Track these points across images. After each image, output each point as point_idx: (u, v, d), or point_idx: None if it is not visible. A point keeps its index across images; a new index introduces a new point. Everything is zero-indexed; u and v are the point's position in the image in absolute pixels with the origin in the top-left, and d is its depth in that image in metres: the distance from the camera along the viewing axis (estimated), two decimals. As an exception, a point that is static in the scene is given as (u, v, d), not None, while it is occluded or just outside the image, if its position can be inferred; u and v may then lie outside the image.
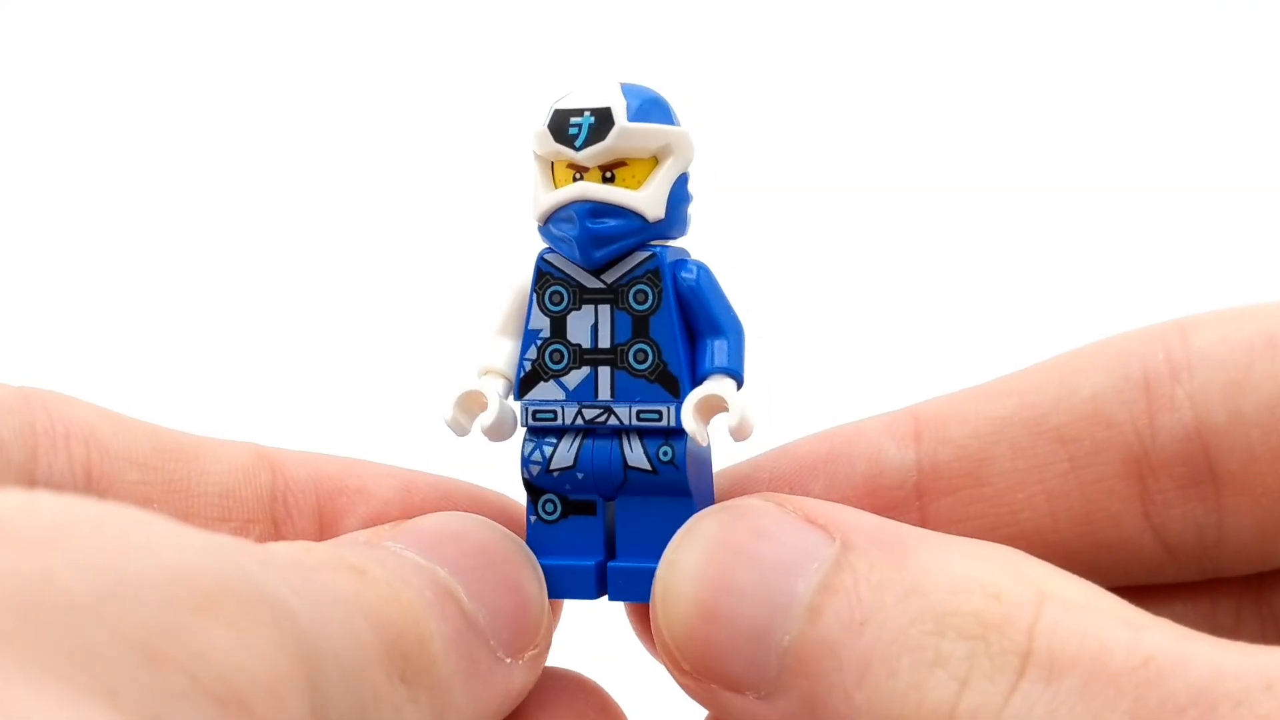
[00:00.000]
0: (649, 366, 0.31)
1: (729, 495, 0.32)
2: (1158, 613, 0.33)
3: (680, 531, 0.29)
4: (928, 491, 0.32)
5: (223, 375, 0.69)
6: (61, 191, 0.73)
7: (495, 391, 0.32)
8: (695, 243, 0.32)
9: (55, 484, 0.30)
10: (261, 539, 0.32)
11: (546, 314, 0.32)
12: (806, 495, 0.32)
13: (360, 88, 0.73)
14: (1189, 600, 0.33)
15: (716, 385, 0.30)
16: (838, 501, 0.31)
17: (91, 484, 0.30)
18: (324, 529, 0.33)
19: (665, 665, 0.29)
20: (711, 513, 0.29)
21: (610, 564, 0.31)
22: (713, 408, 0.30)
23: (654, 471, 0.31)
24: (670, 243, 0.32)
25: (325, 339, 0.70)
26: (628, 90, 0.31)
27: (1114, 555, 0.32)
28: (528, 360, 0.32)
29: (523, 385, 0.32)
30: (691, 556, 0.28)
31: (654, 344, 0.31)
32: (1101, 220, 0.70)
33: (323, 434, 0.59)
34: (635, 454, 0.31)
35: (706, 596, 0.28)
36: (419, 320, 0.68)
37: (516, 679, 0.29)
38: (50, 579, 0.20)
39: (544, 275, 0.32)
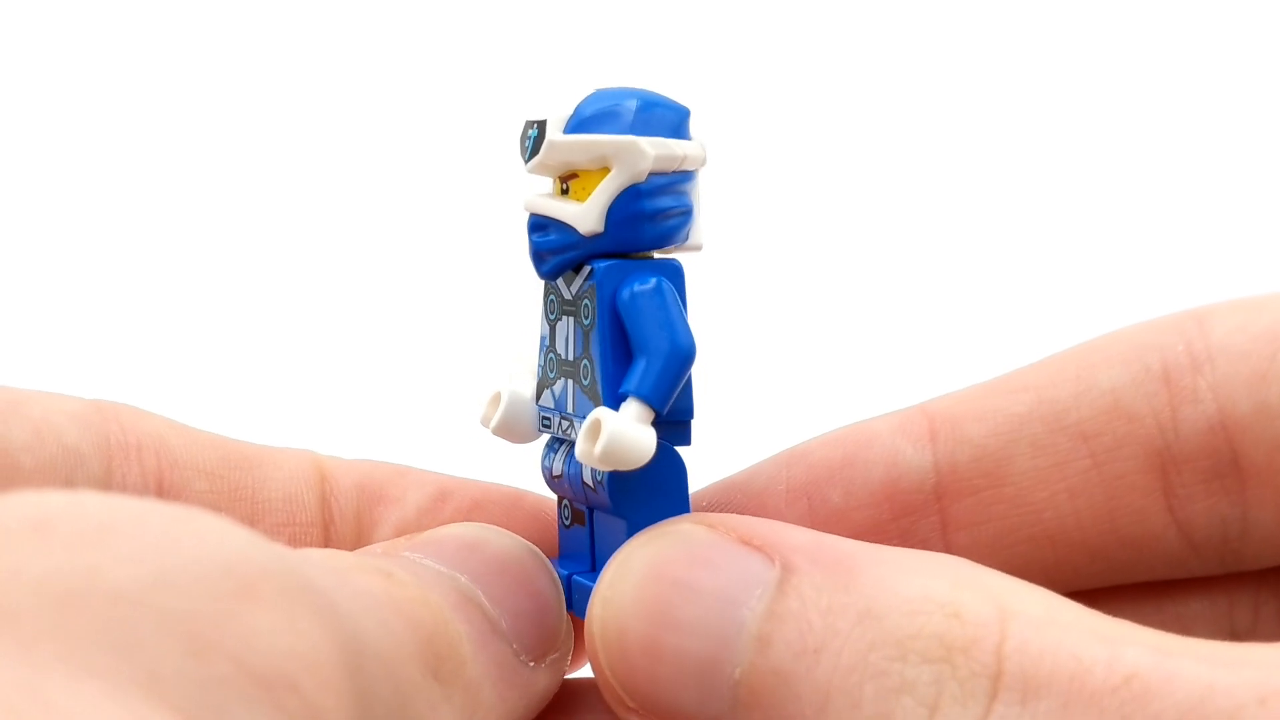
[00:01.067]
0: (589, 382, 0.30)
1: (743, 509, 0.32)
2: (1176, 611, 0.33)
3: (611, 563, 0.28)
4: (947, 493, 0.32)
5: (275, 379, 0.69)
6: (97, 212, 0.74)
7: (511, 395, 0.32)
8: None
9: (128, 494, 0.30)
10: (318, 545, 0.33)
11: (548, 322, 0.32)
12: (825, 505, 0.32)
13: (406, 105, 0.73)
14: (1206, 596, 0.33)
15: (604, 411, 0.29)
16: (858, 509, 0.32)
17: (163, 494, 0.31)
18: (361, 537, 0.33)
19: (610, 703, 0.28)
20: (642, 542, 0.28)
21: (574, 576, 0.31)
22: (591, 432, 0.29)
23: (595, 490, 0.30)
24: (661, 253, 0.31)
25: (375, 340, 0.71)
26: (596, 96, 0.30)
27: (1137, 552, 0.32)
28: (540, 367, 0.32)
29: (536, 391, 0.32)
30: (626, 591, 0.27)
31: (592, 360, 0.30)
32: (1104, 210, 0.70)
33: (378, 436, 0.59)
34: (587, 470, 0.30)
35: (648, 632, 0.27)
36: (469, 320, 0.68)
37: (540, 682, 0.29)
38: (93, 574, 0.20)
39: (546, 285, 0.32)
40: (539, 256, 0.31)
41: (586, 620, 0.28)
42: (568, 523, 0.32)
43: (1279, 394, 0.30)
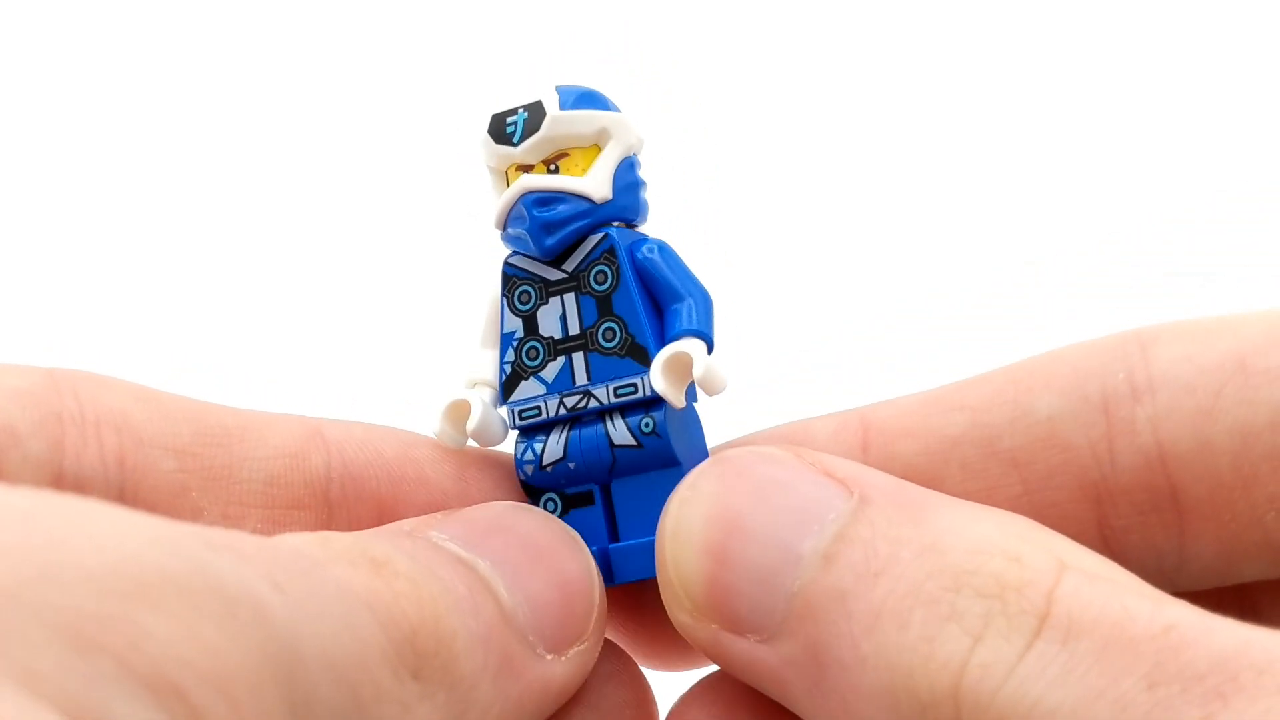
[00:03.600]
0: (618, 343, 0.32)
1: None
2: None
3: (696, 470, 0.29)
4: None
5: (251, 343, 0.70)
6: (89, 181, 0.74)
7: (479, 399, 0.33)
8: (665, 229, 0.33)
9: (84, 477, 0.29)
10: (312, 525, 0.31)
11: (518, 314, 0.33)
12: None
13: (395, 102, 0.74)
14: None
15: (681, 344, 0.31)
16: None
17: (125, 475, 0.29)
18: (384, 516, 0.32)
19: (667, 605, 0.29)
20: (728, 456, 0.29)
21: (610, 546, 0.32)
22: (683, 367, 0.31)
23: (639, 445, 0.31)
24: (631, 227, 0.33)
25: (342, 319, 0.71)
26: (561, 88, 0.32)
27: None
28: (507, 364, 0.33)
29: (506, 389, 0.33)
30: (703, 496, 0.29)
31: (619, 320, 0.32)
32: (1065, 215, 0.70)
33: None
34: (619, 432, 0.32)
35: (717, 536, 0.28)
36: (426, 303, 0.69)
37: (557, 676, 0.29)
38: None
39: (510, 279, 0.33)
40: (547, 228, 0.32)
41: (662, 517, 0.29)
42: (558, 513, 0.32)
43: (1226, 430, 0.29)
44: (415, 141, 0.71)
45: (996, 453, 0.31)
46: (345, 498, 0.31)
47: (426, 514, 0.31)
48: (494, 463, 0.33)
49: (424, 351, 0.65)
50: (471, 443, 0.33)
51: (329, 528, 0.31)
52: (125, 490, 0.29)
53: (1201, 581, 0.31)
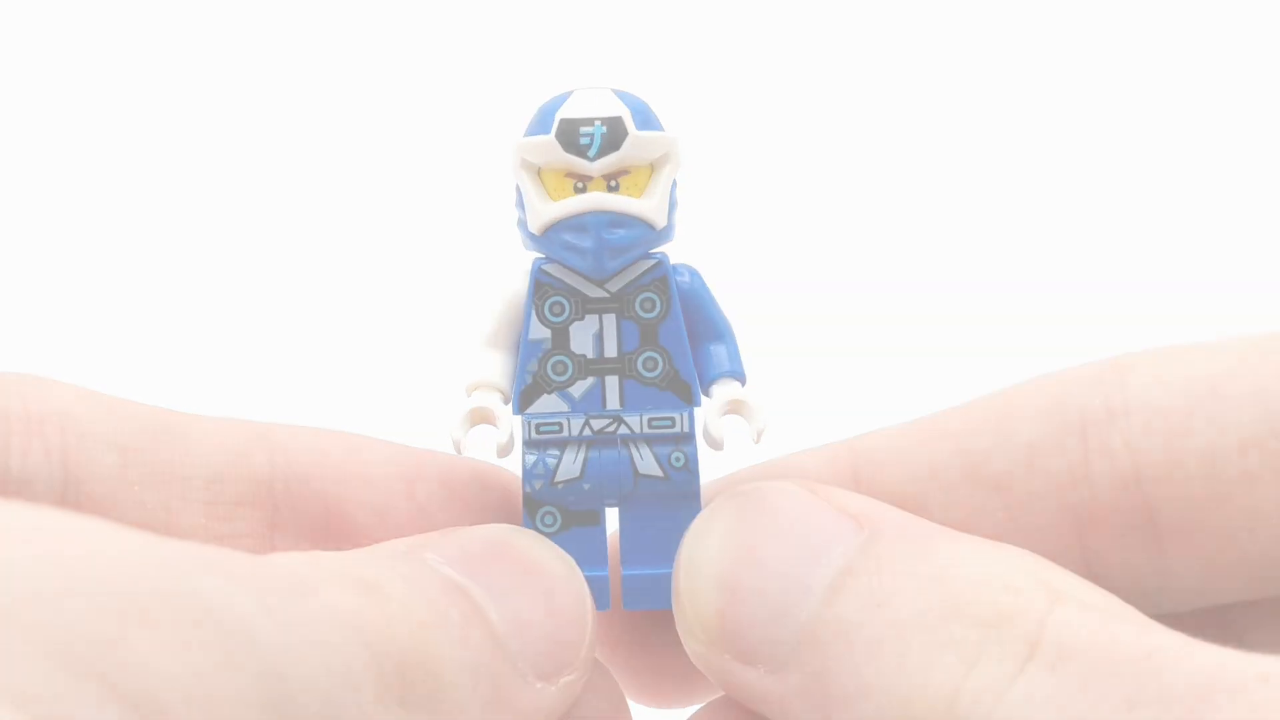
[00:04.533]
0: (659, 374, 0.31)
1: None
2: None
3: (711, 505, 0.30)
4: None
5: (210, 352, 0.69)
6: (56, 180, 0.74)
7: (502, 408, 0.32)
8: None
9: (30, 472, 0.30)
10: (258, 522, 0.31)
11: (547, 325, 0.32)
12: None
13: (361, 89, 0.73)
14: None
15: (736, 390, 0.31)
16: None
17: (69, 471, 0.30)
18: (331, 519, 0.32)
19: (681, 634, 0.30)
20: (745, 491, 0.30)
21: (625, 572, 0.31)
22: (733, 412, 0.31)
23: (666, 478, 0.31)
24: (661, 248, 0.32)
25: (313, 319, 0.71)
26: (623, 98, 0.31)
27: None
28: (528, 373, 0.32)
29: (524, 398, 0.32)
30: (720, 529, 0.29)
31: (664, 351, 0.31)
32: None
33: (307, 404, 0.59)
34: (646, 462, 0.31)
35: (730, 569, 0.29)
36: (401, 303, 0.68)
37: (545, 705, 0.29)
38: None
39: (542, 286, 0.32)
40: (613, 252, 0.31)
41: (679, 549, 0.30)
42: (552, 529, 0.31)
43: (1197, 451, 0.30)
44: (386, 146, 0.71)
45: (980, 478, 0.32)
46: (291, 496, 0.32)
47: (379, 519, 0.32)
48: (441, 463, 0.33)
49: (384, 359, 0.65)
50: (470, 452, 0.32)
51: (274, 525, 0.32)
52: (69, 485, 0.30)
53: (1183, 602, 0.32)
